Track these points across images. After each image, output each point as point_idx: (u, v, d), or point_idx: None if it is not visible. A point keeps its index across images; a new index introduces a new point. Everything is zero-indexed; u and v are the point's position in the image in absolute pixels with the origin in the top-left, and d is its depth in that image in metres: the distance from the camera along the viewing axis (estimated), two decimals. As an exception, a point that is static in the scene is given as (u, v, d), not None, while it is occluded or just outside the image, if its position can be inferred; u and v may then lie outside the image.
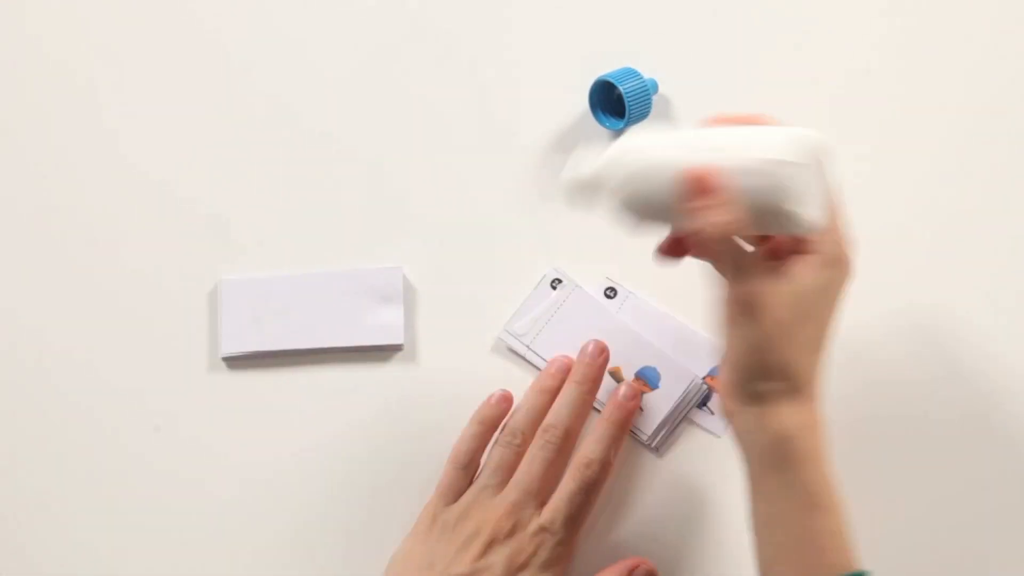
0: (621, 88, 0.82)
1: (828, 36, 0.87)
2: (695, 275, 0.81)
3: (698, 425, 0.80)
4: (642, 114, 0.84)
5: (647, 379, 0.79)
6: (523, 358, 0.81)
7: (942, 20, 0.87)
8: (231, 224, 0.84)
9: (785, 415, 0.65)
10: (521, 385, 0.80)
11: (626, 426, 0.78)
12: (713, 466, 0.79)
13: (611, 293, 0.82)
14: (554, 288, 0.82)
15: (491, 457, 0.77)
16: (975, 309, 0.81)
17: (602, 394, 0.79)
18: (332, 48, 0.88)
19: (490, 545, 0.74)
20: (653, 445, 0.79)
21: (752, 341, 0.65)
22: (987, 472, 0.79)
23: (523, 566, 0.73)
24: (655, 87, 0.85)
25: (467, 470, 0.77)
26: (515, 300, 0.82)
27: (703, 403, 0.79)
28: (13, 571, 0.80)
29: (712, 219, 0.63)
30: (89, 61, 0.88)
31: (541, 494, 0.75)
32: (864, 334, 0.80)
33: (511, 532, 0.74)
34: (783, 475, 0.65)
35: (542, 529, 0.74)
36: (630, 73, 0.83)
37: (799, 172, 0.63)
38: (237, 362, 0.82)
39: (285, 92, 0.87)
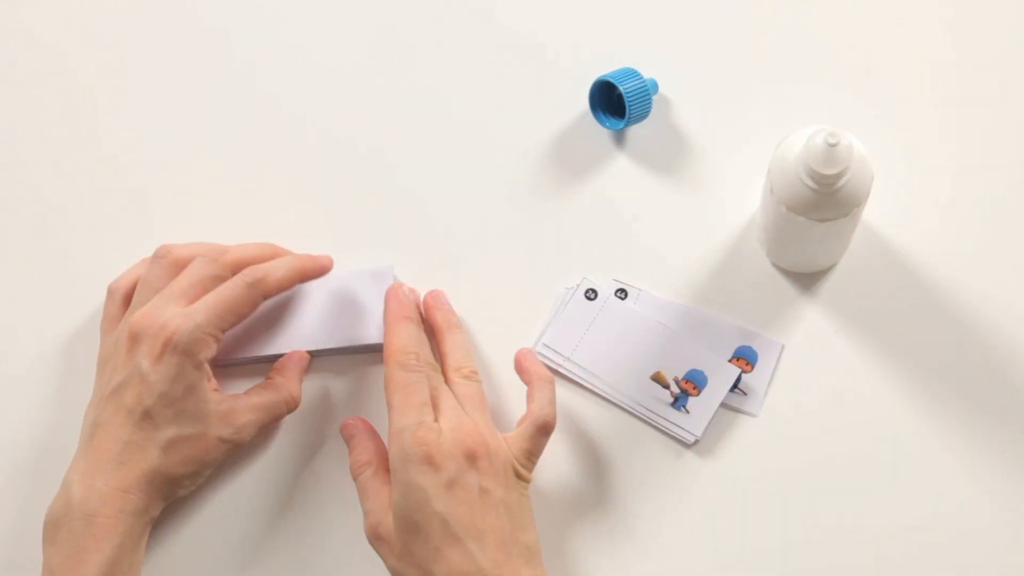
0: (621, 88, 0.82)
1: (828, 36, 0.87)
2: (692, 267, 0.82)
3: (732, 408, 0.79)
4: (642, 114, 0.84)
5: (695, 382, 0.79)
6: (562, 371, 0.81)
7: (942, 21, 0.87)
8: (221, 228, 0.84)
9: None
10: (505, 373, 0.80)
11: (305, 274, 0.79)
12: (747, 446, 0.79)
13: (622, 294, 0.82)
14: (589, 299, 0.81)
15: (142, 278, 0.78)
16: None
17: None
18: (328, 47, 0.89)
19: (133, 344, 0.73)
20: (695, 443, 0.79)
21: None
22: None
23: (164, 351, 0.72)
24: (655, 87, 0.85)
25: (124, 298, 0.79)
26: (511, 298, 0.82)
27: (734, 386, 0.79)
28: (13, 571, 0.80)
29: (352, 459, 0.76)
30: (82, 62, 0.89)
31: (184, 296, 0.75)
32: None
33: (158, 328, 0.73)
34: None
35: (182, 315, 0.73)
36: (630, 73, 0.83)
37: None
38: (232, 370, 0.81)
39: (279, 95, 0.88)
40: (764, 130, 0.84)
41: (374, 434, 0.77)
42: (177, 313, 0.73)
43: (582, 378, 0.80)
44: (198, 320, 0.73)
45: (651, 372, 0.80)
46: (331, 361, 0.82)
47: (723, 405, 0.79)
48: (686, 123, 0.86)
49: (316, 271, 0.80)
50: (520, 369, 0.78)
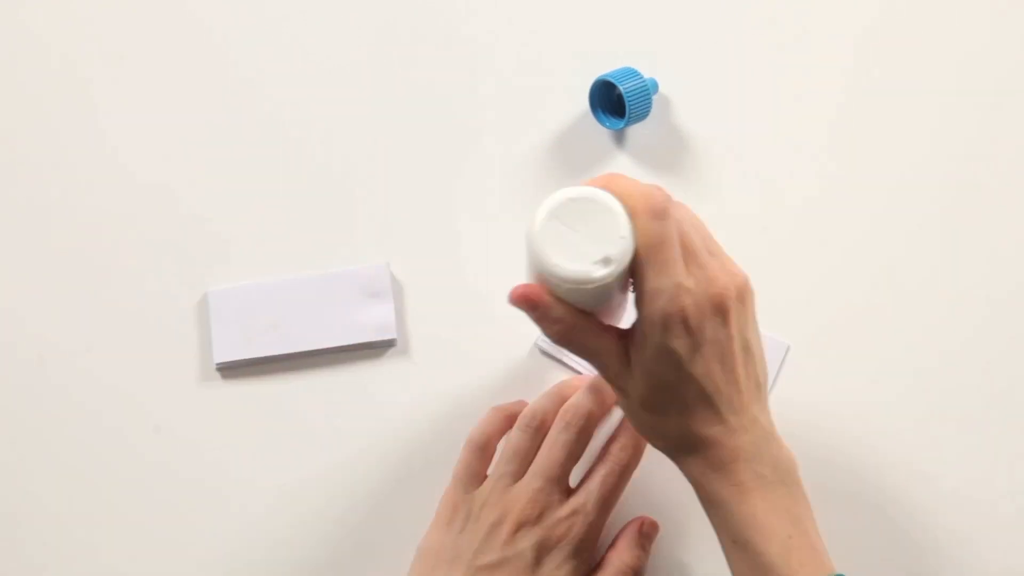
0: (621, 88, 0.82)
1: (829, 36, 0.87)
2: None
3: None
4: (642, 114, 0.84)
5: None
6: (561, 361, 0.81)
7: (942, 21, 0.87)
8: (214, 231, 0.84)
9: (698, 472, 0.67)
10: (516, 368, 0.80)
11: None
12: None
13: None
14: None
15: (508, 442, 0.76)
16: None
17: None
18: (328, 47, 0.88)
19: (517, 531, 0.73)
20: None
21: (642, 426, 0.69)
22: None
23: (552, 549, 0.73)
24: (655, 87, 0.85)
25: (484, 452, 0.77)
26: (505, 295, 0.82)
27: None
28: (11, 572, 0.79)
29: (547, 331, 0.65)
30: (84, 66, 0.88)
31: (562, 480, 0.75)
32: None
33: (538, 518, 0.73)
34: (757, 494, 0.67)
35: (574, 512, 0.73)
36: (630, 73, 0.83)
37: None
38: (231, 371, 0.81)
39: (280, 95, 0.87)
40: (765, 128, 0.84)
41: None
42: (572, 510, 0.74)
43: (580, 370, 0.81)
44: (592, 518, 0.74)
45: None
46: (329, 358, 0.82)
47: None
48: (686, 123, 0.85)
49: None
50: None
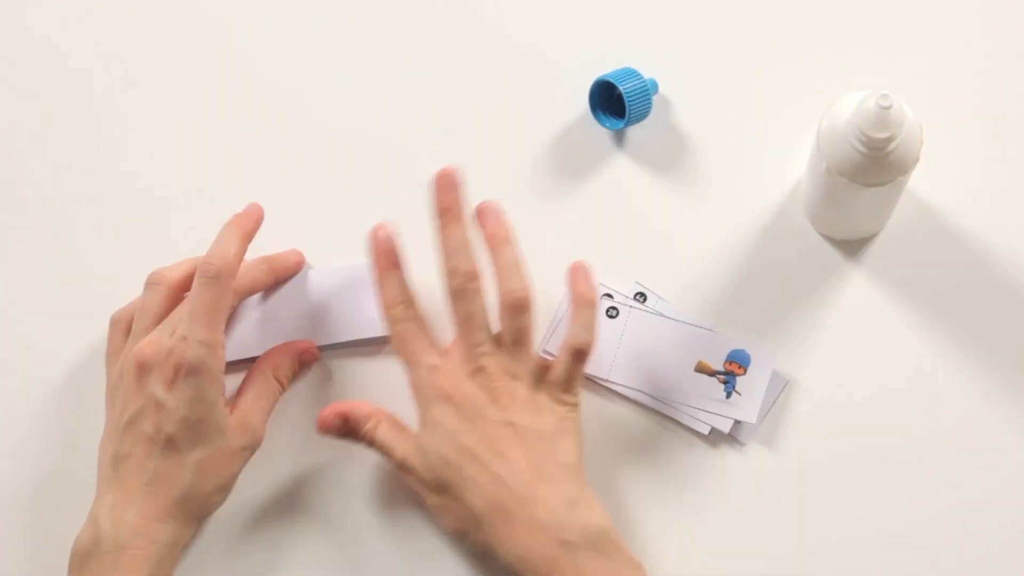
0: (621, 88, 0.82)
1: (828, 36, 0.87)
2: (694, 264, 0.82)
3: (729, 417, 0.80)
4: (642, 114, 0.84)
5: (739, 361, 0.79)
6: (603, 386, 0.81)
7: (943, 21, 0.87)
8: (212, 231, 0.84)
9: (492, 547, 0.72)
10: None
11: (248, 233, 0.77)
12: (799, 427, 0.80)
13: (641, 298, 0.82)
14: (611, 317, 0.81)
15: (137, 303, 0.77)
16: None
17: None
18: (329, 47, 0.88)
19: (142, 375, 0.73)
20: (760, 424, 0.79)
21: (437, 512, 0.76)
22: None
23: (178, 379, 0.72)
24: (655, 87, 0.85)
25: (124, 327, 0.78)
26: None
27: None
28: (11, 572, 0.79)
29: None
30: (86, 64, 0.88)
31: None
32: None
33: (157, 356, 0.72)
34: None
35: (183, 338, 0.72)
36: (630, 73, 0.83)
37: None
38: (230, 369, 0.80)
39: (282, 96, 0.87)
40: (765, 128, 0.84)
41: (356, 404, 0.77)
42: (175, 338, 0.72)
43: (622, 392, 0.80)
44: (198, 335, 0.72)
45: (693, 367, 0.80)
46: (332, 354, 0.82)
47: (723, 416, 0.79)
48: (686, 123, 0.86)
49: (255, 224, 0.78)
50: (568, 284, 0.77)
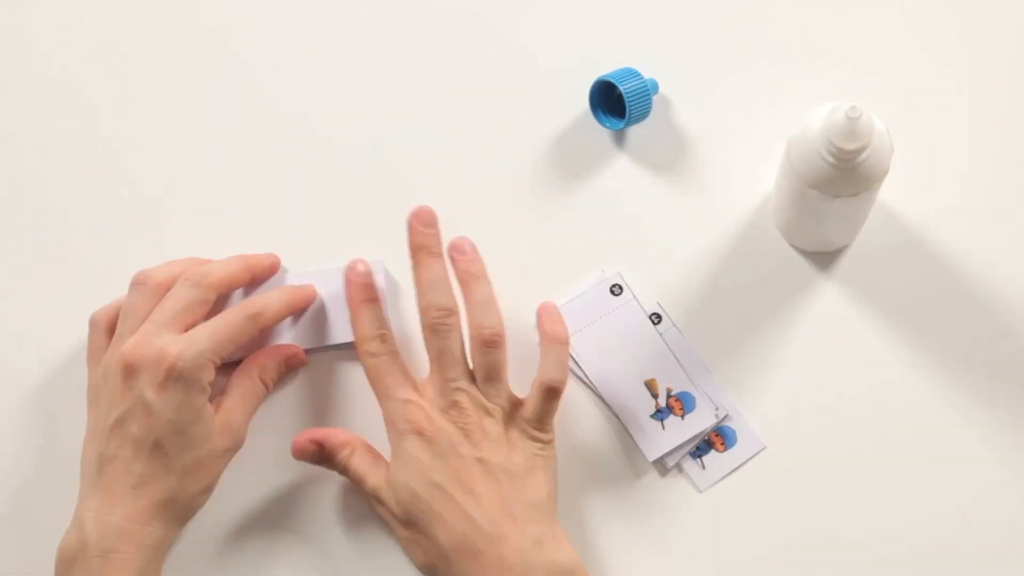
0: (621, 88, 0.82)
1: (828, 36, 0.87)
2: (697, 263, 0.82)
3: (685, 473, 0.80)
4: (642, 114, 0.84)
5: (684, 402, 0.79)
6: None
7: (943, 21, 0.87)
8: (212, 231, 0.84)
9: None
10: (513, 363, 0.79)
11: (294, 307, 0.79)
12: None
13: (655, 319, 0.82)
14: (615, 294, 0.82)
15: (122, 304, 0.77)
16: None
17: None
18: (329, 48, 0.88)
19: (129, 377, 0.72)
20: (658, 460, 0.79)
21: (407, 546, 0.76)
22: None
23: (170, 381, 0.71)
24: (655, 87, 0.85)
25: (106, 328, 0.78)
26: (511, 297, 0.81)
27: (698, 455, 0.79)
28: (10, 571, 0.80)
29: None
30: (84, 66, 0.89)
31: (175, 325, 0.74)
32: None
33: (145, 358, 0.72)
34: None
35: (189, 342, 0.72)
36: (630, 73, 0.83)
37: None
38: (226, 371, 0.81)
39: (281, 98, 0.87)
40: (765, 129, 0.84)
41: (332, 431, 0.78)
42: (175, 340, 0.72)
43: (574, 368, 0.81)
44: (202, 347, 0.72)
45: (645, 378, 0.80)
46: (327, 356, 0.82)
47: (679, 470, 0.79)
48: (686, 123, 0.85)
49: (305, 303, 0.80)
50: (538, 324, 0.78)
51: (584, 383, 0.81)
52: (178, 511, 0.73)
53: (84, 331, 0.81)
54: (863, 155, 0.71)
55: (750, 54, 0.87)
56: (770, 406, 0.80)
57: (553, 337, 0.77)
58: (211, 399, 0.74)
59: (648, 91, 0.83)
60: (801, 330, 0.81)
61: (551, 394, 0.75)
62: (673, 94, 0.86)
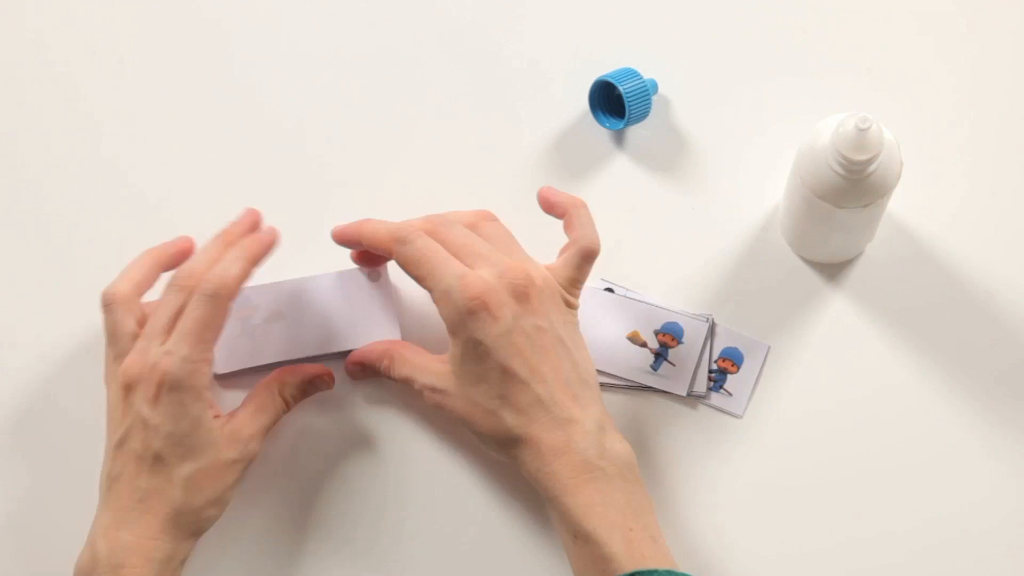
0: (621, 88, 0.82)
1: (828, 36, 0.87)
2: (695, 265, 0.82)
3: (718, 408, 0.80)
4: (642, 114, 0.84)
5: (673, 333, 0.80)
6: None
7: (954, 35, 0.87)
8: (204, 232, 0.84)
9: (532, 467, 0.71)
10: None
11: (256, 257, 0.76)
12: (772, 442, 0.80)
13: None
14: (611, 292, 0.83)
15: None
16: None
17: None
18: (328, 48, 0.88)
19: (129, 394, 0.72)
20: (690, 394, 0.80)
21: (468, 423, 0.73)
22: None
23: (162, 393, 0.71)
24: (655, 87, 0.85)
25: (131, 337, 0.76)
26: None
27: (719, 387, 0.80)
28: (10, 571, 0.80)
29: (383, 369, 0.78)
30: (85, 67, 0.88)
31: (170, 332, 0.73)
32: None
33: (142, 373, 0.72)
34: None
35: (167, 353, 0.72)
36: (630, 73, 0.83)
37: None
38: (229, 380, 0.81)
39: (279, 97, 0.87)
40: (764, 129, 0.84)
41: (369, 348, 0.79)
42: (160, 352, 0.72)
43: None
44: (183, 352, 0.71)
45: (626, 334, 0.80)
46: (325, 360, 0.81)
47: (709, 406, 0.80)
48: (686, 123, 0.86)
49: (265, 249, 0.77)
50: (549, 205, 0.77)
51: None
52: (187, 524, 0.73)
53: (82, 333, 0.81)
54: (872, 166, 0.71)
55: (750, 53, 0.87)
56: (781, 414, 0.80)
57: (571, 203, 0.76)
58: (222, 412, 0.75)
59: (648, 91, 0.83)
60: (810, 340, 0.81)
61: (588, 257, 0.75)
62: (673, 94, 0.86)
